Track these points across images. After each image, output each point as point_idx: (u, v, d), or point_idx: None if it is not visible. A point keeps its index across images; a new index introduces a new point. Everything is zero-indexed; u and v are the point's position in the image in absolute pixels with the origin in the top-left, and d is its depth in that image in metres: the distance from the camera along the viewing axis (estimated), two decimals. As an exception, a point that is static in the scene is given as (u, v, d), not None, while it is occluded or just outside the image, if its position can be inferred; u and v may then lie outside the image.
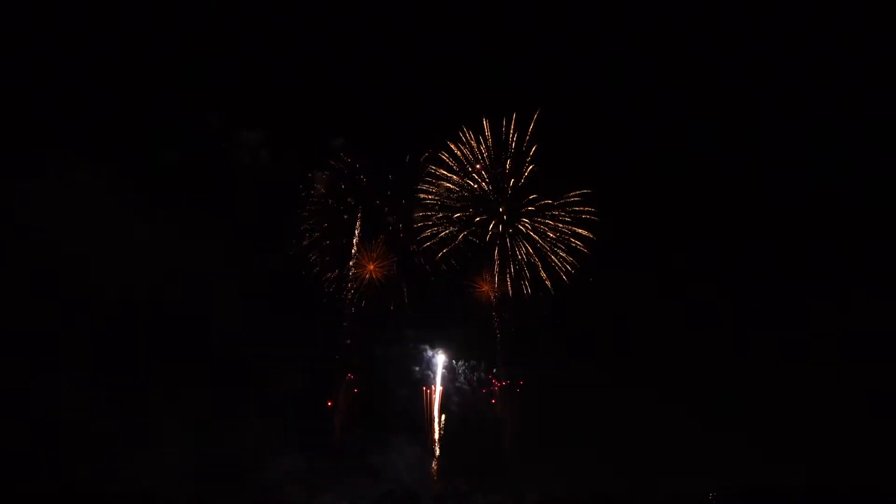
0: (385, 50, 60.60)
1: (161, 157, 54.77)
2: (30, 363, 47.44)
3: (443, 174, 61.09)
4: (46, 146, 49.82)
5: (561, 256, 60.54)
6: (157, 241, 51.19)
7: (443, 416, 60.89)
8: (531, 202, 60.94)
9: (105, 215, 50.03)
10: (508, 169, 60.97)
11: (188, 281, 52.14)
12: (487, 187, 61.52)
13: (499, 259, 61.55)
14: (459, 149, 60.65)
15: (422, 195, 61.09)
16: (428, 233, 61.29)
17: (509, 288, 61.49)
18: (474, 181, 61.48)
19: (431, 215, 61.39)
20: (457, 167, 61.12)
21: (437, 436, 60.20)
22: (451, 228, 61.43)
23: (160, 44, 54.83)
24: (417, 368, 61.76)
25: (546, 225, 60.87)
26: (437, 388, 61.53)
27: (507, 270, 61.60)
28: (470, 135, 60.31)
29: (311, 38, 59.46)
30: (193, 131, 56.19)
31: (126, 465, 47.98)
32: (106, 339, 50.23)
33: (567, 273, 60.49)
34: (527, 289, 61.25)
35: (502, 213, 61.48)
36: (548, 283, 60.94)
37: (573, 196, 60.22)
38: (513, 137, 60.23)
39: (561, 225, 60.60)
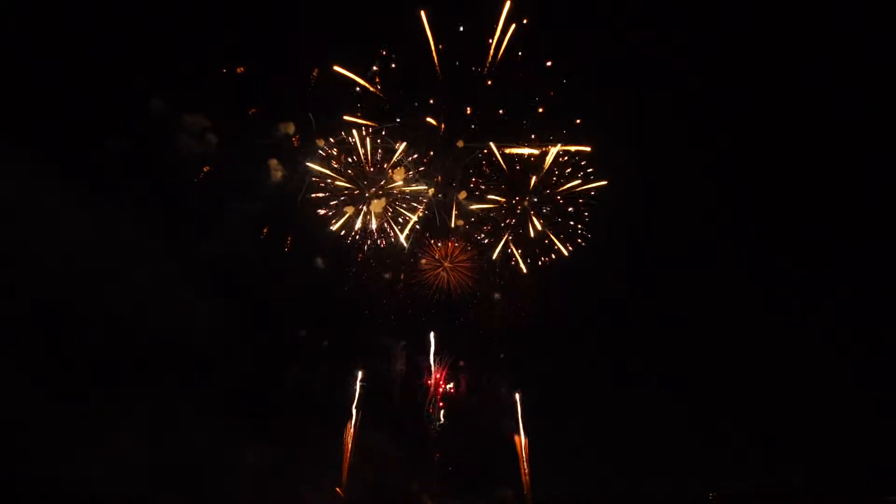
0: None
1: (95, 142, 51.02)
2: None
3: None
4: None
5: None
6: (93, 230, 48.10)
7: (441, 413, 60.71)
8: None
9: (35, 204, 46.60)
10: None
11: (126, 272, 49.69)
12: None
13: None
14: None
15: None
16: None
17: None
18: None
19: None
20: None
21: (434, 434, 60.01)
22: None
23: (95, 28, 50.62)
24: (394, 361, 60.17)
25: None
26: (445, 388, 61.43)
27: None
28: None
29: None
30: (132, 115, 52.15)
31: (66, 466, 45.32)
32: (40, 335, 47.34)
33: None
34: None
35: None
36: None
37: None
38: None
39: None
